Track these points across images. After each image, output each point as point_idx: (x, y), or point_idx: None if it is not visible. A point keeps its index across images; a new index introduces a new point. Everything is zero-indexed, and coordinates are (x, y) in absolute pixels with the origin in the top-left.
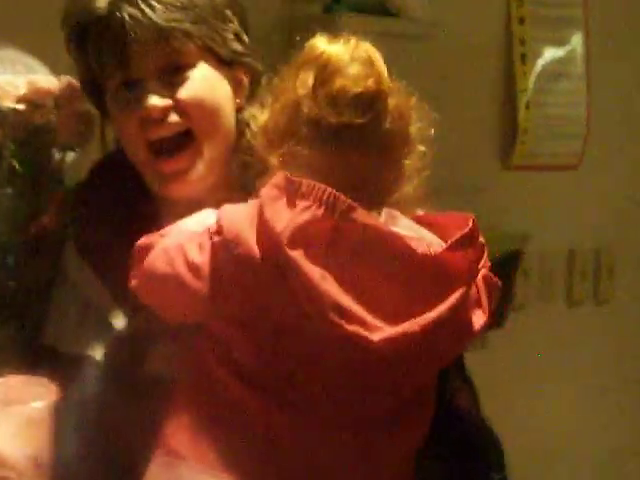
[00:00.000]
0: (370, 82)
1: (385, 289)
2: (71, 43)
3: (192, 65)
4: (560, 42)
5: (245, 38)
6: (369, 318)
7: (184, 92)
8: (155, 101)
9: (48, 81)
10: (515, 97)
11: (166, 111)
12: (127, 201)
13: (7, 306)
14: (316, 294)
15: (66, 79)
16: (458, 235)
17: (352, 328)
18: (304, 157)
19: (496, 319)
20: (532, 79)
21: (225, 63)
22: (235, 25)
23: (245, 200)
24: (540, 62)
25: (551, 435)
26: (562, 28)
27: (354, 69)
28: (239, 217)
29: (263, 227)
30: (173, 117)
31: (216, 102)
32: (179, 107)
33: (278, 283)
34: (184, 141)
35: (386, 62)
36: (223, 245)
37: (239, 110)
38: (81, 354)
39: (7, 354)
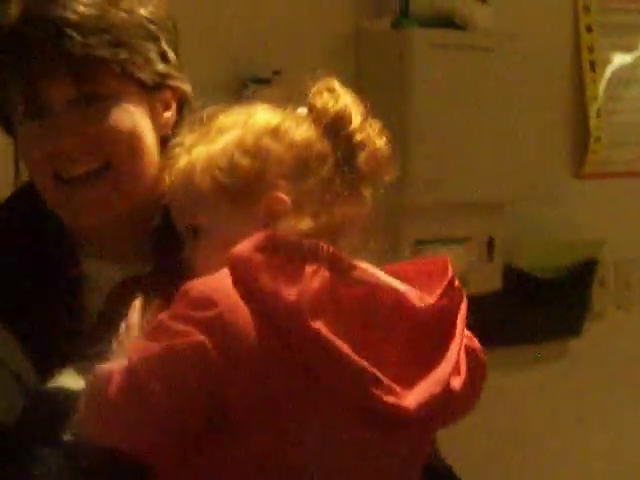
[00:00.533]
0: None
1: (392, 349)
2: None
3: (108, 94)
4: (628, 48)
5: (172, 56)
6: (394, 385)
7: (99, 126)
8: (66, 136)
9: None
10: (585, 105)
11: (78, 147)
12: (38, 242)
13: None
14: (351, 368)
15: None
16: (445, 282)
17: (390, 399)
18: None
19: (574, 328)
20: (602, 86)
21: (148, 87)
22: (161, 43)
23: (164, 228)
24: (609, 69)
25: (632, 442)
26: (630, 34)
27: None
28: (223, 293)
29: (265, 298)
30: (86, 153)
31: (136, 134)
32: (93, 141)
33: (287, 361)
34: (99, 172)
35: (455, 74)
36: (208, 328)
37: (164, 135)
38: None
39: None
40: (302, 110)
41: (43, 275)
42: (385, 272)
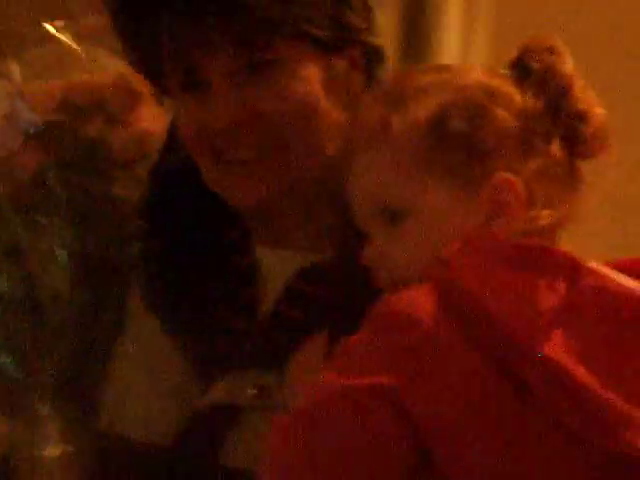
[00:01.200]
0: None
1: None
2: (120, 13)
3: (276, 60)
4: None
5: (357, 4)
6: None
7: (265, 99)
8: (226, 113)
9: (94, 81)
10: None
11: (241, 125)
12: (206, 225)
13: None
14: (596, 405)
15: (119, 76)
16: None
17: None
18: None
19: None
20: None
21: (327, 46)
22: None
23: (331, 209)
24: None
25: None
26: None
27: None
28: (426, 311)
29: (485, 320)
30: (250, 131)
31: (310, 105)
32: (258, 118)
33: (508, 393)
34: (266, 152)
35: None
36: (408, 355)
37: (351, 100)
38: (144, 442)
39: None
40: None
41: (214, 263)
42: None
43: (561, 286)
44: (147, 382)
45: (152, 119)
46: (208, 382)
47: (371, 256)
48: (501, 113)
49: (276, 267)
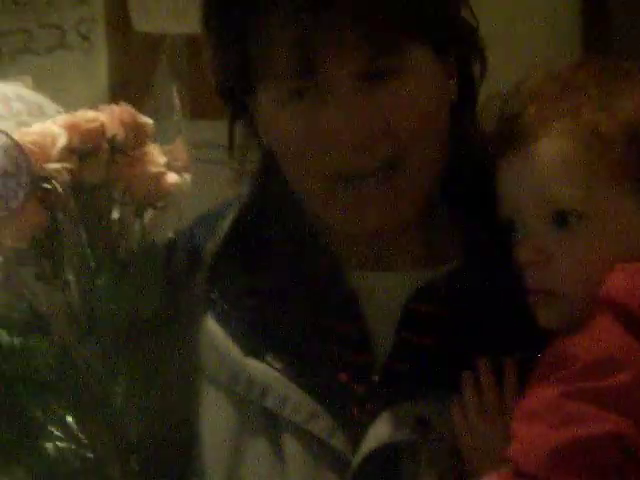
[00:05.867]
0: None
1: None
2: (217, 10)
3: (403, 66)
4: None
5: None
6: None
7: (393, 108)
8: (351, 123)
9: (97, 117)
10: None
11: (366, 136)
12: (293, 253)
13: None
14: None
15: (124, 110)
16: None
17: None
18: None
19: None
20: None
21: (442, 51)
22: None
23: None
24: None
25: None
26: None
27: None
28: (626, 348)
29: None
30: (376, 142)
31: (432, 116)
32: (384, 129)
33: None
34: (391, 165)
35: None
36: (622, 399)
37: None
38: None
39: None
40: None
41: (308, 297)
42: None
43: None
44: (271, 446)
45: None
46: (354, 433)
47: (531, 256)
48: None
49: (378, 292)
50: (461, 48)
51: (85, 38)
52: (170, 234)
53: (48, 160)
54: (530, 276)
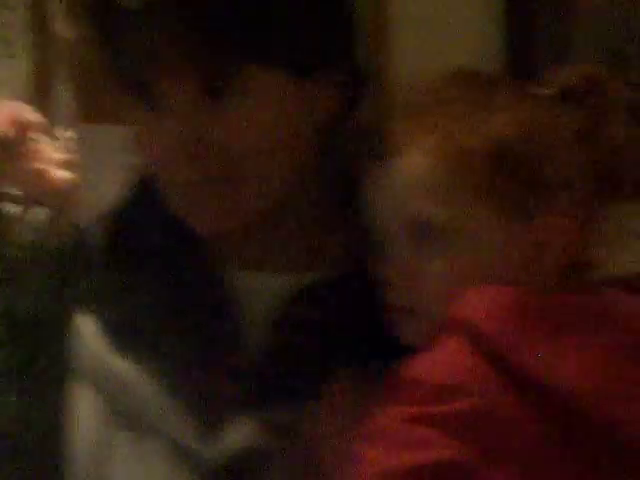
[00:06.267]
0: None
1: None
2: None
3: (245, 88)
4: None
5: (336, 25)
6: None
7: (228, 127)
8: (185, 136)
9: None
10: None
11: (193, 152)
12: (169, 252)
13: None
14: None
15: (12, 106)
16: None
17: None
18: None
19: None
20: None
21: (303, 73)
22: (317, 9)
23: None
24: None
25: None
26: None
27: None
28: (471, 374)
29: (535, 382)
30: (206, 158)
31: (277, 136)
32: (211, 149)
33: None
34: (220, 179)
35: None
36: (460, 426)
37: (326, 123)
38: None
39: None
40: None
41: (182, 295)
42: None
43: (612, 340)
44: (135, 446)
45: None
46: (211, 434)
47: (392, 272)
48: (565, 148)
49: (259, 293)
50: (331, 75)
51: (8, 43)
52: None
53: None
54: (391, 292)
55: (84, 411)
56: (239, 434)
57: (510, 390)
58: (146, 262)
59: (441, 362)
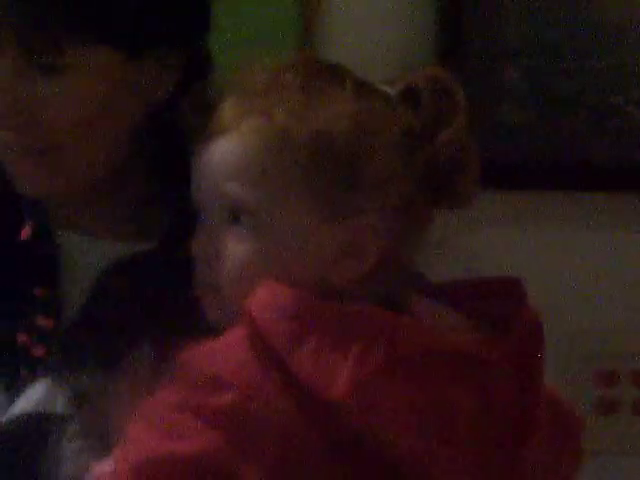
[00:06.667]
0: None
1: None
2: None
3: (68, 66)
4: None
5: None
6: None
7: (45, 102)
8: (3, 108)
9: None
10: None
11: (12, 123)
12: None
13: None
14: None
15: None
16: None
17: None
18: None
19: None
20: None
21: (126, 53)
22: None
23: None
24: None
25: None
26: None
27: None
28: (241, 370)
29: (299, 385)
30: (23, 132)
31: (101, 112)
32: (28, 123)
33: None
34: (36, 151)
35: None
36: (221, 421)
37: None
38: None
39: None
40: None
41: (8, 253)
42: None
43: (379, 350)
44: None
45: None
46: (15, 393)
47: (200, 248)
48: (391, 149)
49: (87, 257)
50: (164, 57)
51: None
52: None
53: None
54: (199, 268)
55: None
56: (29, 397)
57: (282, 391)
58: None
59: (219, 352)
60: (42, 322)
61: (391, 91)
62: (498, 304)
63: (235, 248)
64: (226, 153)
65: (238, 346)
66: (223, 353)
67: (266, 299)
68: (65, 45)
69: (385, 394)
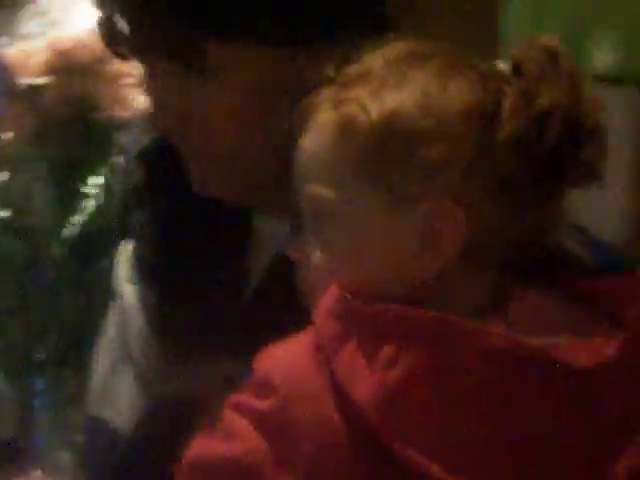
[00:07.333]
0: None
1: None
2: None
3: (212, 68)
4: None
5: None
6: None
7: (203, 112)
8: (156, 112)
9: (77, 40)
10: None
11: (167, 125)
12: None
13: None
14: None
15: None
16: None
17: None
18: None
19: None
20: None
21: (278, 44)
22: None
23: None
24: None
25: None
26: None
27: None
28: (289, 374)
29: (339, 389)
30: (173, 131)
31: (233, 120)
32: (186, 126)
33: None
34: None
35: None
36: (263, 424)
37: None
38: (101, 419)
39: None
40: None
41: (207, 230)
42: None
43: (414, 355)
44: (123, 364)
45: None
46: (180, 367)
47: (292, 252)
48: (459, 129)
49: (274, 237)
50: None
51: None
52: None
53: (31, 74)
54: (298, 273)
55: (107, 326)
56: (187, 379)
57: (326, 397)
58: (176, 200)
59: (281, 353)
60: (225, 302)
61: (504, 67)
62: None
63: (318, 252)
64: (302, 153)
65: (296, 349)
66: (281, 356)
67: (323, 302)
68: (212, 48)
69: (414, 405)
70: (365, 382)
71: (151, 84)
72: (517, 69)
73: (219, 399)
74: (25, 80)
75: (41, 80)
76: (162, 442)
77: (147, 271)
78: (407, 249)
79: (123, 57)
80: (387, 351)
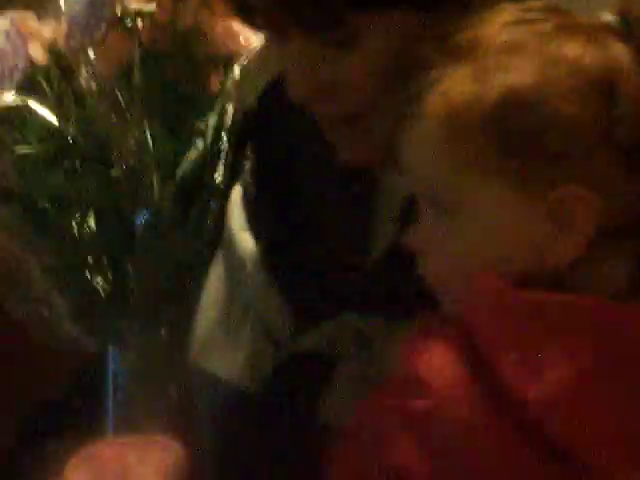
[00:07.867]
0: None
1: None
2: None
3: (350, 38)
4: None
5: None
6: None
7: (343, 80)
8: (295, 82)
9: None
10: None
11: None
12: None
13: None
14: None
15: None
16: None
17: None
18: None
19: None
20: None
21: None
22: None
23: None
24: None
25: None
26: None
27: None
28: (443, 374)
29: (505, 391)
30: (318, 101)
31: (390, 80)
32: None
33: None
34: None
35: None
36: (417, 426)
37: None
38: (210, 373)
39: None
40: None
41: (330, 183)
42: None
43: (596, 349)
44: (238, 317)
45: None
46: (305, 325)
47: (418, 241)
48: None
49: (398, 193)
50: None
51: None
52: None
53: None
54: (418, 263)
55: (214, 273)
56: (318, 335)
57: (482, 399)
58: (297, 149)
59: (426, 352)
60: (349, 259)
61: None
62: None
63: (449, 240)
64: (420, 138)
65: (445, 348)
66: (430, 354)
67: (475, 297)
68: (349, 17)
69: (597, 404)
70: (542, 382)
71: (287, 54)
72: (626, 22)
73: (350, 354)
74: (132, 5)
75: (148, 7)
76: (293, 399)
77: (268, 223)
78: (542, 234)
79: (258, 28)
80: (566, 345)
